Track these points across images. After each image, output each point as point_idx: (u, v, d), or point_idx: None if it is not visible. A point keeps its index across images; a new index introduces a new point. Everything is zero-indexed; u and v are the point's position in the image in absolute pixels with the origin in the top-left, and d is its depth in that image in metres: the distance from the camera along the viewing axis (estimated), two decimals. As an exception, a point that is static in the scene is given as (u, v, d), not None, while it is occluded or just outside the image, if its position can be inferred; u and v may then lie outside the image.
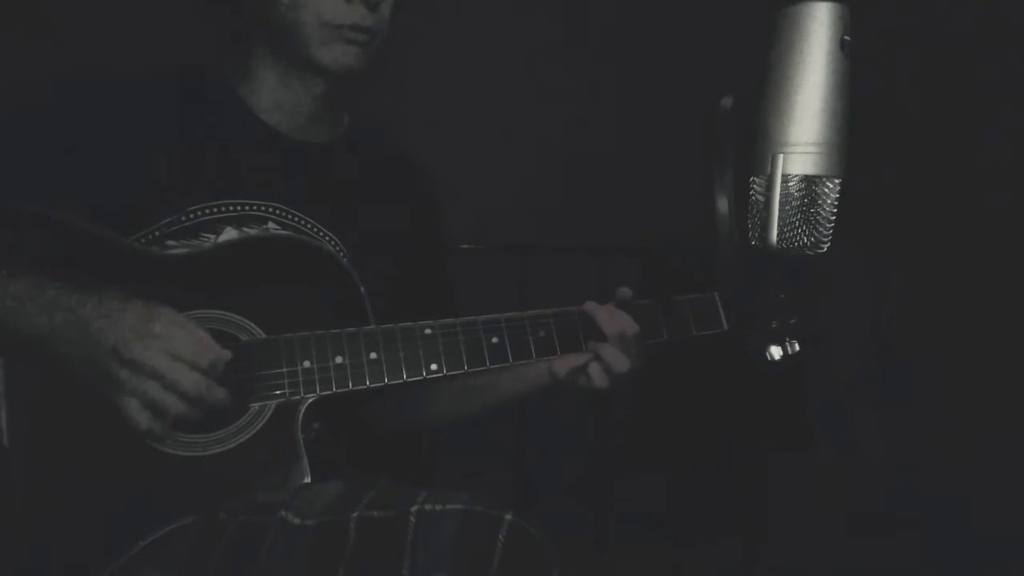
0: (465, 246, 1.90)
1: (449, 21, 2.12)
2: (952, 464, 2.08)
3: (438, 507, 0.94)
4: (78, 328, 0.94)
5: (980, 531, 2.04)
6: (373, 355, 1.08)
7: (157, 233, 1.08)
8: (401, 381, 1.09)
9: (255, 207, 1.14)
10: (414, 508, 0.95)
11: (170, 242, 1.08)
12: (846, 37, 0.96)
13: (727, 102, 1.07)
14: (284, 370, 1.04)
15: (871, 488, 2.20)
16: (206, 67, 1.19)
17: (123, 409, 0.94)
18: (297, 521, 0.99)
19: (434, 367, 1.10)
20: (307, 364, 1.05)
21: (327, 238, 1.18)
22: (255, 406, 1.03)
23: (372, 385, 1.07)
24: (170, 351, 0.94)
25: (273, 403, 1.04)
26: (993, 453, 2.04)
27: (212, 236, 1.10)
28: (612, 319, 1.17)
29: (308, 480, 1.03)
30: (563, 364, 1.17)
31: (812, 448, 2.03)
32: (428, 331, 1.11)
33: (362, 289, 1.10)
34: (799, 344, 1.22)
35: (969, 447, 2.07)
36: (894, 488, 2.18)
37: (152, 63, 1.15)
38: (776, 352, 1.21)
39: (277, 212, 1.15)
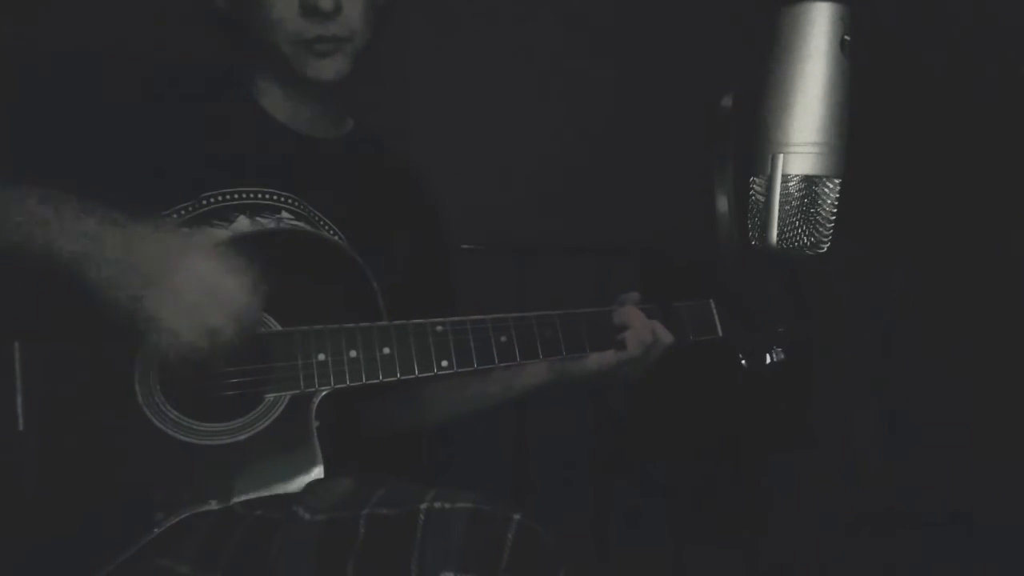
0: (465, 246, 1.90)
1: (449, 21, 2.12)
2: (952, 464, 2.08)
3: (447, 505, 0.95)
4: (123, 240, 0.94)
5: (981, 531, 2.04)
6: (386, 350, 1.09)
7: (172, 218, 1.09)
8: (413, 376, 1.11)
9: (269, 196, 1.16)
10: (423, 506, 0.95)
11: (184, 229, 1.09)
12: (846, 37, 0.96)
13: (727, 102, 1.07)
14: (299, 362, 1.06)
15: (871, 488, 2.20)
16: (219, 64, 1.22)
17: (145, 326, 0.93)
18: (308, 516, 1.00)
19: (445, 363, 1.12)
20: (322, 357, 1.07)
21: (330, 230, 1.20)
22: (270, 397, 1.05)
23: (385, 379, 1.09)
24: (211, 286, 0.95)
25: (288, 394, 1.05)
26: (994, 453, 2.04)
27: (225, 224, 1.11)
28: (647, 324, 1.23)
29: (321, 468, 1.05)
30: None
31: (814, 448, 2.03)
32: (439, 328, 1.13)
33: (375, 285, 1.12)
34: (784, 353, 1.25)
35: (970, 447, 2.07)
36: (894, 488, 2.18)
37: (166, 54, 1.18)
38: (767, 359, 1.24)
39: (290, 201, 1.17)
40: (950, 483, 2.08)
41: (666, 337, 1.24)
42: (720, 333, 1.30)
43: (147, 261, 0.94)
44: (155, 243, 0.96)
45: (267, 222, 1.13)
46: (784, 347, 1.25)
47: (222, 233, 1.08)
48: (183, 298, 0.93)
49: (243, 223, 1.12)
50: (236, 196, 1.13)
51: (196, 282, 0.94)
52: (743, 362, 1.25)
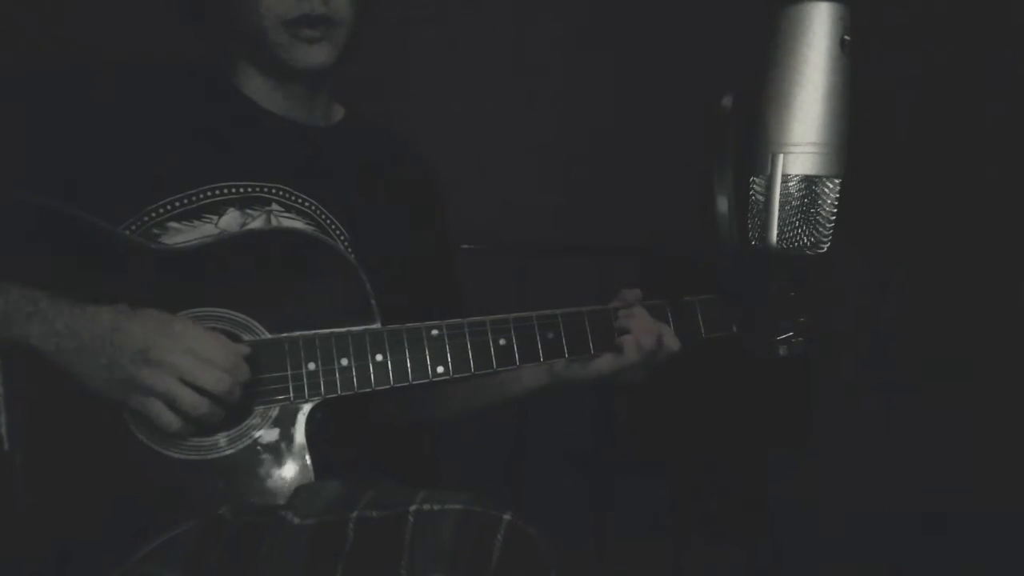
0: (465, 246, 1.90)
1: (448, 20, 2.12)
2: (954, 464, 2.08)
3: (436, 507, 0.94)
4: (96, 336, 0.94)
5: (981, 531, 2.04)
6: (379, 357, 1.06)
7: (158, 212, 1.08)
8: (407, 384, 1.08)
9: (259, 188, 1.14)
10: (412, 508, 0.94)
11: (172, 224, 1.08)
12: (846, 37, 0.96)
13: (727, 102, 1.07)
14: (289, 373, 1.04)
15: (871, 488, 2.20)
16: (205, 61, 1.22)
17: (147, 410, 0.95)
18: (297, 520, 0.99)
19: (440, 370, 1.09)
20: (312, 366, 1.04)
21: (328, 221, 1.18)
22: (259, 409, 1.03)
23: (377, 388, 1.07)
24: (195, 351, 0.95)
25: (277, 406, 1.04)
26: (995, 452, 2.04)
27: (214, 217, 1.10)
28: (652, 327, 1.19)
29: (312, 478, 1.03)
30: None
31: (810, 445, 2.03)
32: (435, 332, 1.10)
33: (368, 286, 1.09)
34: (804, 344, 1.22)
35: (971, 447, 2.07)
36: (894, 488, 2.18)
37: (151, 55, 1.17)
38: (783, 350, 1.21)
39: (281, 193, 1.15)
40: (950, 483, 2.08)
41: (673, 344, 1.20)
42: (735, 329, 1.26)
43: (130, 339, 0.94)
44: (136, 322, 0.96)
45: (257, 214, 1.12)
46: (805, 336, 1.21)
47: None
48: (172, 367, 0.95)
49: (233, 216, 1.11)
50: (225, 191, 1.12)
51: (181, 350, 0.95)
52: (780, 351, 1.20)
